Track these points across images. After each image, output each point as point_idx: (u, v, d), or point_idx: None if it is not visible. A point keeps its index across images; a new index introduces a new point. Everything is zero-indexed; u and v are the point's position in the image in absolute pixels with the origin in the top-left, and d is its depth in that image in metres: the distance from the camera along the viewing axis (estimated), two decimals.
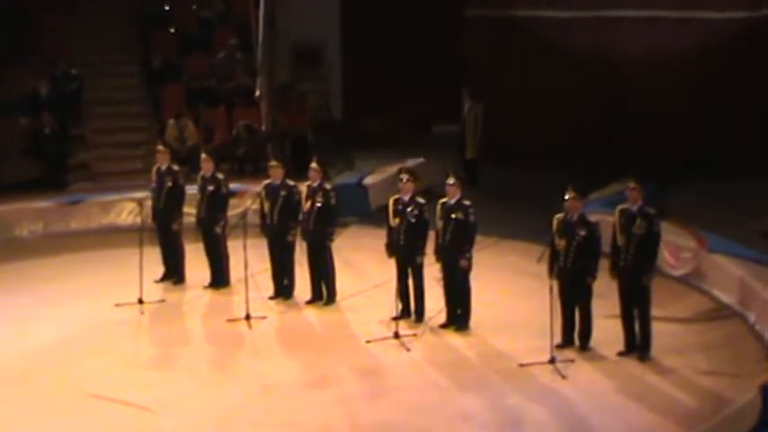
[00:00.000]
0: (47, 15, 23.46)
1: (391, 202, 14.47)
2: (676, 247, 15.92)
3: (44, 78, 22.13)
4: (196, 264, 16.08)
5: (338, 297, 15.25)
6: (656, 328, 13.39)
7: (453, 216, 13.93)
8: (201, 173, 16.00)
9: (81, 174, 21.43)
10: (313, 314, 15.00)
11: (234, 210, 16.81)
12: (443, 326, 14.18)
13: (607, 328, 13.48)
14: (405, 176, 14.44)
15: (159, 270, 16.11)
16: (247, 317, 14.48)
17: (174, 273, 16.15)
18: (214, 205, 15.77)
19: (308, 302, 15.22)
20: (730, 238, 15.88)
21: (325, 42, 24.75)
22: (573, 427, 11.62)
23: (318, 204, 14.96)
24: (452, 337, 13.98)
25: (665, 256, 15.59)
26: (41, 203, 19.46)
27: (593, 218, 13.54)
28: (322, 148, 20.12)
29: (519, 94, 22.50)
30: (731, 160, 20.43)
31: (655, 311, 13.42)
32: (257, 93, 21.66)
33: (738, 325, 14.27)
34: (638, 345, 13.17)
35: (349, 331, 14.35)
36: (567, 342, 13.34)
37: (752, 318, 14.16)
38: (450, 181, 14.11)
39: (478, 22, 23.52)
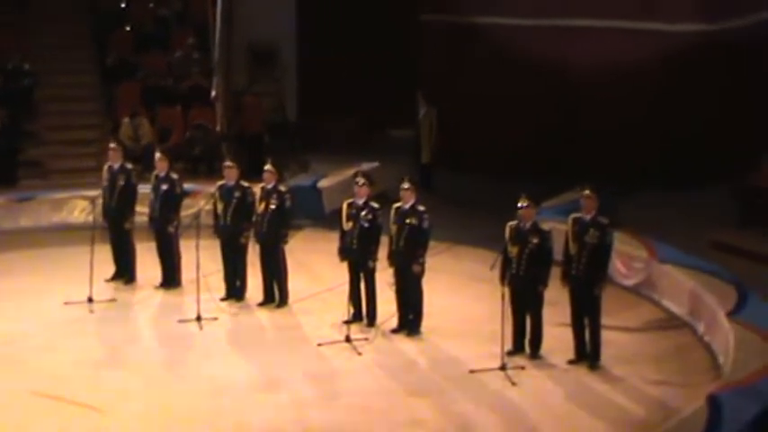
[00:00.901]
0: (1, 10, 23.24)
1: (345, 205, 14.46)
2: (628, 257, 16.00)
3: None
4: (147, 263, 15.99)
5: (290, 300, 15.22)
6: (607, 337, 13.47)
7: (407, 221, 13.93)
8: (156, 172, 15.92)
9: (32, 170, 21.26)
10: (265, 316, 14.96)
11: (187, 210, 16.75)
12: (395, 330, 14.19)
13: (558, 336, 13.55)
14: (359, 180, 14.44)
15: (110, 269, 16.01)
16: (198, 318, 14.42)
17: (125, 272, 16.05)
18: (167, 205, 15.69)
19: (260, 304, 15.17)
20: (681, 249, 15.99)
21: (280, 44, 24.70)
22: None
23: (273, 206, 14.92)
24: (404, 342, 13.99)
25: (616, 265, 15.68)
26: None
27: (545, 226, 13.58)
28: (276, 151, 20.08)
29: (474, 100, 22.55)
30: (684, 171, 20.57)
31: (605, 320, 13.49)
32: (213, 93, 21.58)
33: (687, 335, 14.38)
34: (588, 353, 13.23)
35: (301, 334, 14.33)
36: (517, 349, 13.38)
37: (701, 328, 14.27)
38: (405, 185, 14.12)
39: (433, 26, 23.56)
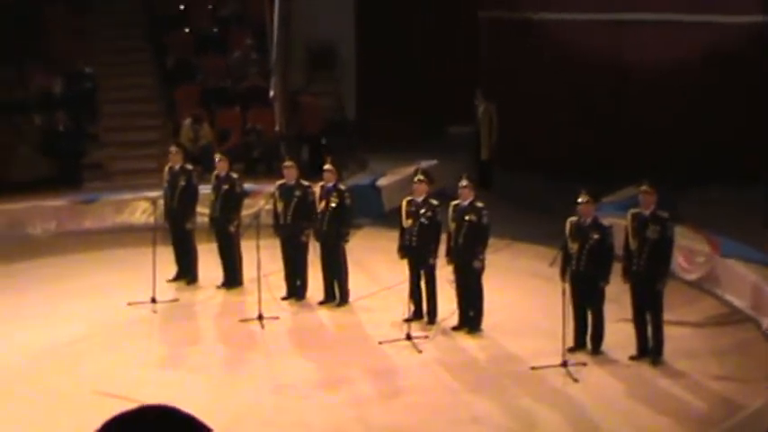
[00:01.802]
0: (62, 14, 23.52)
1: (404, 203, 14.48)
2: (690, 252, 15.88)
3: (58, 77, 22.19)
4: (209, 263, 16.10)
5: (351, 298, 15.26)
6: (669, 332, 13.37)
7: (466, 218, 13.92)
8: (216, 172, 16.03)
9: (95, 172, 21.48)
10: (325, 315, 15.01)
11: (248, 210, 16.83)
12: (455, 328, 14.18)
13: (619, 331, 13.47)
14: (418, 177, 14.45)
15: (172, 269, 16.13)
16: (260, 317, 14.49)
17: (187, 272, 16.17)
18: (228, 205, 15.79)
19: (321, 303, 15.23)
20: (744, 243, 15.83)
21: (339, 43, 24.75)
22: (584, 430, 11.61)
23: (333, 205, 14.96)
24: (464, 340, 13.98)
25: (678, 260, 15.55)
26: (55, 202, 19.49)
27: (606, 221, 13.52)
28: (335, 150, 20.13)
29: (532, 97, 22.48)
30: (745, 165, 20.38)
31: (667, 315, 13.40)
32: (271, 93, 21.67)
33: (751, 330, 14.24)
34: (650, 349, 13.15)
35: (361, 332, 14.36)
36: (578, 345, 13.33)
37: (764, 323, 14.12)
38: (463, 183, 14.12)
39: (492, 23, 23.51)
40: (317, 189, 15.26)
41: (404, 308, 14.09)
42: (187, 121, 21.60)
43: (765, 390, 11.69)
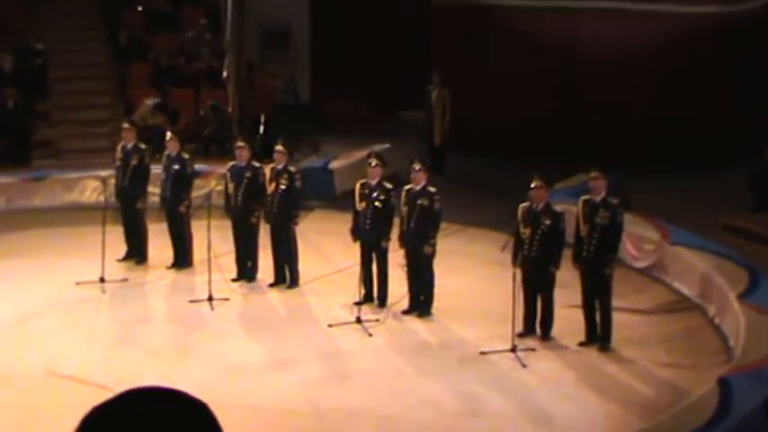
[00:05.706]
0: None
1: (358, 186, 14.47)
2: (639, 239, 15.97)
3: (8, 53, 21.93)
4: (159, 243, 16.00)
5: (301, 281, 15.23)
6: (617, 319, 13.47)
7: (418, 202, 13.94)
8: (167, 152, 15.92)
9: (45, 150, 21.26)
10: (276, 297, 14.98)
11: (199, 191, 16.74)
12: (406, 312, 14.20)
13: (569, 317, 13.55)
14: (372, 161, 14.44)
15: (122, 249, 16.02)
16: (210, 298, 14.44)
17: (137, 252, 16.07)
18: (179, 185, 15.70)
19: (271, 285, 15.19)
20: (693, 232, 15.95)
21: (293, 25, 24.65)
22: (532, 415, 11.68)
23: (283, 187, 14.92)
24: (415, 323, 14.01)
25: (627, 247, 15.64)
26: (4, 179, 19.25)
27: (558, 208, 13.58)
28: (288, 131, 20.05)
29: (486, 82, 22.49)
30: (695, 154, 20.51)
31: (616, 303, 13.50)
32: (224, 74, 21.54)
33: (698, 317, 14.36)
34: (598, 335, 13.24)
35: (311, 315, 14.35)
36: (528, 331, 13.40)
37: (712, 310, 14.25)
38: (416, 167, 14.12)
39: (446, 8, 23.50)
40: (267, 170, 15.21)
41: (354, 291, 14.09)
42: (149, 102, 21.29)
43: (711, 376, 11.79)
